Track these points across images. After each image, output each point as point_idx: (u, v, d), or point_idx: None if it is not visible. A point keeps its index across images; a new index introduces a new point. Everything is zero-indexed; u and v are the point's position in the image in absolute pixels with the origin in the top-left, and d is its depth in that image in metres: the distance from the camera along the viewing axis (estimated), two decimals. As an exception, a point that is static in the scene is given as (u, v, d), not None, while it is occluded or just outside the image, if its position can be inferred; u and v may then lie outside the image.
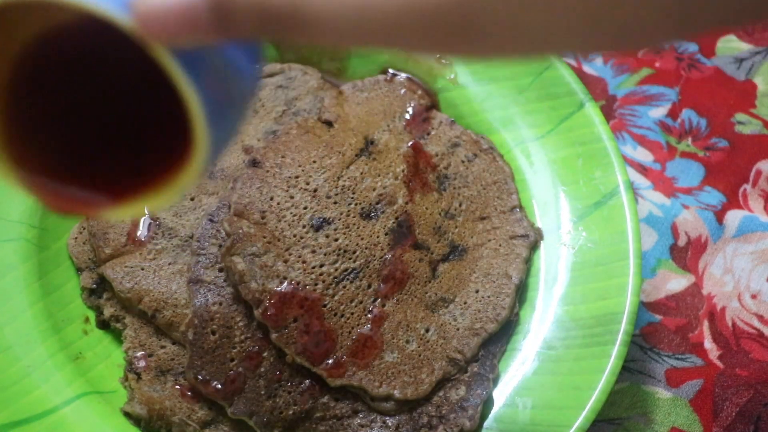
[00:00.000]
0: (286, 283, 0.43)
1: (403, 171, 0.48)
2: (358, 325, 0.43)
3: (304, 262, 0.44)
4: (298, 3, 0.19)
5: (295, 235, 0.45)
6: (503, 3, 0.20)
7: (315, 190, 0.46)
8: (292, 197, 0.46)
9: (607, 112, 0.60)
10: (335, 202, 0.46)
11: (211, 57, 0.19)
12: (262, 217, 0.45)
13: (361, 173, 0.47)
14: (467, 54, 0.26)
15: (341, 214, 0.46)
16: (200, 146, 0.19)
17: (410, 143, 0.50)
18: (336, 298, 0.43)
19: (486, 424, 0.43)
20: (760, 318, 0.52)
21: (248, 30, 0.18)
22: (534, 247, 0.48)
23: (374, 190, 0.47)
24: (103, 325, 0.46)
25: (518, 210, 0.49)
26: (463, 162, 0.50)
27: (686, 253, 0.54)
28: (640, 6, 0.20)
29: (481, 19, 0.20)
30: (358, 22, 0.20)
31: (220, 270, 0.44)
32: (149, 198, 0.22)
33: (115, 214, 0.22)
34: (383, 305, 0.44)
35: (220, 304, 0.44)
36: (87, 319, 0.46)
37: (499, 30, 0.21)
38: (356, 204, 0.46)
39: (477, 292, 0.46)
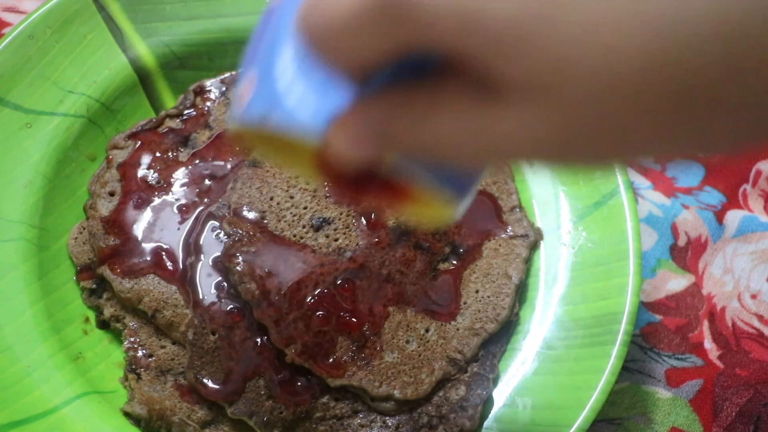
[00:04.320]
0: (286, 283, 0.43)
1: (403, 171, 0.48)
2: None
3: (304, 262, 0.44)
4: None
5: (295, 235, 0.45)
6: None
7: (315, 190, 0.46)
8: (292, 197, 0.46)
9: (607, 112, 0.59)
10: (335, 202, 0.46)
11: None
12: (262, 217, 0.45)
13: (361, 173, 0.47)
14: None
15: (341, 214, 0.46)
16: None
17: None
18: (336, 298, 0.43)
19: (486, 424, 0.43)
20: (760, 318, 0.52)
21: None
22: (534, 247, 0.48)
23: (374, 190, 0.47)
24: (103, 325, 0.46)
25: (518, 210, 0.49)
26: (463, 162, 0.50)
27: (686, 253, 0.54)
28: None
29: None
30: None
31: (220, 270, 0.44)
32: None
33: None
34: (383, 305, 0.44)
35: (221, 304, 0.44)
36: (87, 319, 0.46)
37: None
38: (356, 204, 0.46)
39: (477, 292, 0.46)
